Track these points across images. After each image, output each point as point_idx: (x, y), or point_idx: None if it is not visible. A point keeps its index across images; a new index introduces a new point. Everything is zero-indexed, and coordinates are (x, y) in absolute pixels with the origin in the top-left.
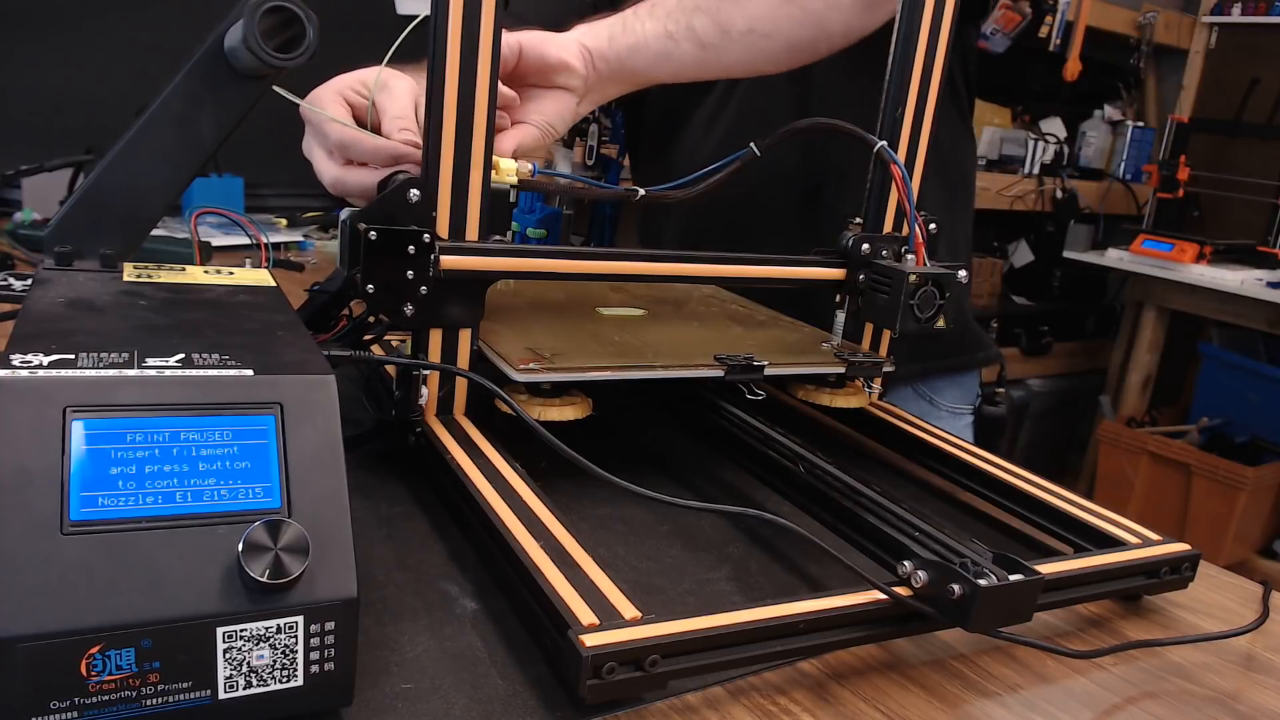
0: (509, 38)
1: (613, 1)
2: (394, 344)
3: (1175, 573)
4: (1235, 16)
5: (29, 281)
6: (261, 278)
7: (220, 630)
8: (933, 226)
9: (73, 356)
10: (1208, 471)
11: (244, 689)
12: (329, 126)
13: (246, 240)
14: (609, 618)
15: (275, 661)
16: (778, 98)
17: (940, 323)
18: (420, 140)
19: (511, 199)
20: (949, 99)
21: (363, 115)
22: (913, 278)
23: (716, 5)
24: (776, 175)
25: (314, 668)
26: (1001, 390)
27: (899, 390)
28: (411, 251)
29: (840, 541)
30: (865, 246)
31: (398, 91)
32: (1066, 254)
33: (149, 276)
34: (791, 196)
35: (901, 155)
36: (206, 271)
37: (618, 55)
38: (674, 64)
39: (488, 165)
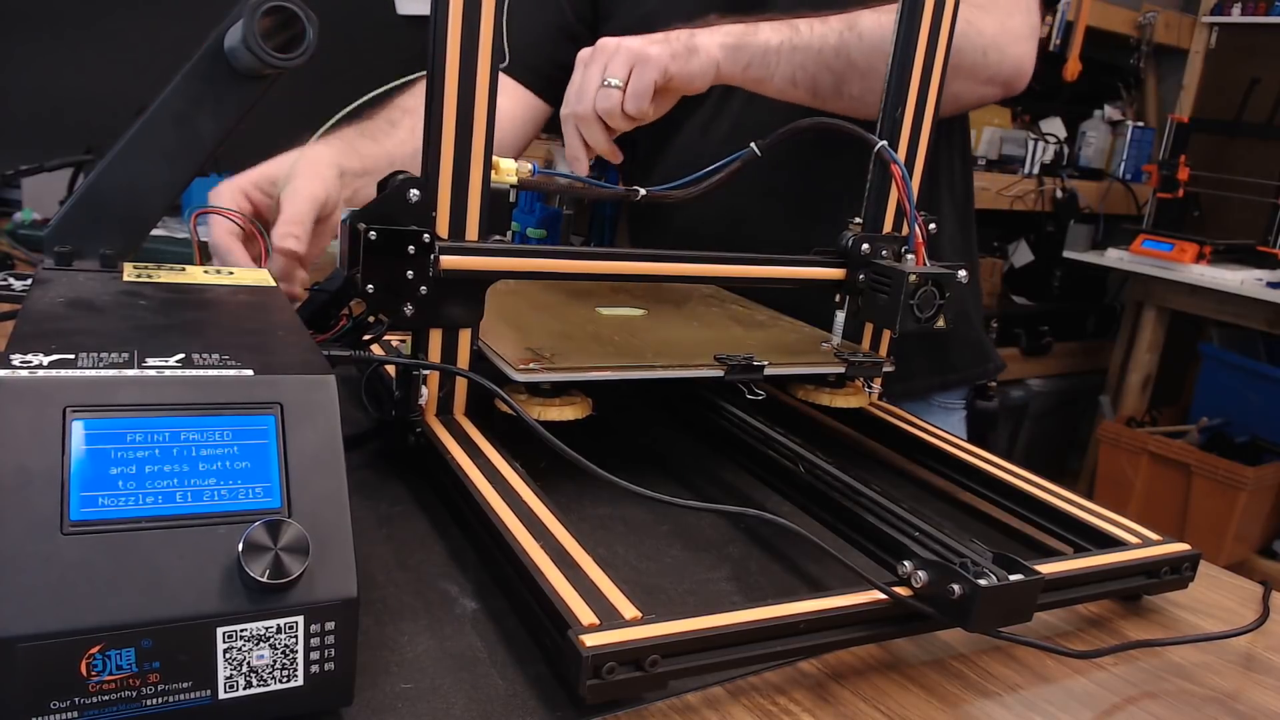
0: (665, 65)
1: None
2: (394, 344)
3: (1175, 573)
4: (1235, 16)
5: (29, 281)
6: (261, 278)
7: (220, 630)
8: (932, 226)
9: (73, 356)
10: (1208, 471)
11: (244, 689)
12: (213, 233)
13: None
14: (609, 618)
15: (275, 661)
16: (773, 105)
17: (940, 322)
18: (302, 249)
19: (511, 199)
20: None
21: (266, 212)
22: (913, 278)
23: (845, 69)
24: (767, 193)
25: (314, 668)
26: (993, 384)
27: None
28: (411, 251)
29: (840, 541)
30: (865, 246)
31: (299, 193)
32: (1066, 254)
33: (149, 276)
34: (782, 213)
35: (901, 155)
36: (206, 271)
37: (739, 82)
38: (776, 97)
39: (488, 165)
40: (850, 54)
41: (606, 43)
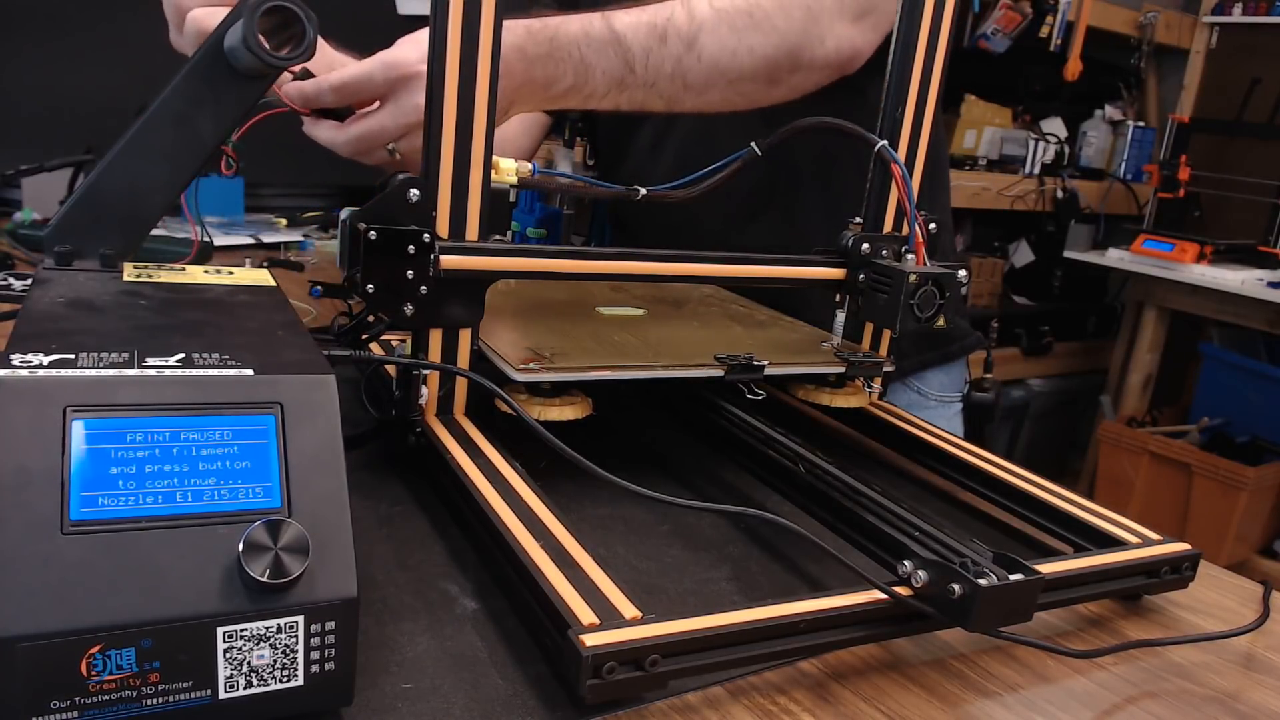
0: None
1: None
2: (394, 344)
3: (1175, 572)
4: (1236, 16)
5: (29, 281)
6: (261, 278)
7: (220, 630)
8: (933, 226)
9: (73, 356)
10: (1208, 471)
11: (244, 689)
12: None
13: (248, 240)
14: (609, 617)
15: (275, 661)
16: (719, 118)
17: (940, 322)
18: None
19: (511, 199)
20: None
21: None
22: (913, 277)
23: (678, 93)
24: (729, 189)
25: (314, 667)
26: (989, 376)
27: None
28: (411, 251)
29: (840, 541)
30: (865, 246)
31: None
32: (1067, 254)
33: (149, 276)
34: (743, 208)
35: (902, 154)
36: (206, 271)
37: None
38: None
39: (488, 165)
40: (686, 77)
41: (412, 81)
